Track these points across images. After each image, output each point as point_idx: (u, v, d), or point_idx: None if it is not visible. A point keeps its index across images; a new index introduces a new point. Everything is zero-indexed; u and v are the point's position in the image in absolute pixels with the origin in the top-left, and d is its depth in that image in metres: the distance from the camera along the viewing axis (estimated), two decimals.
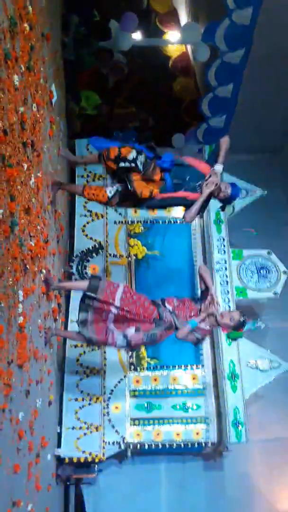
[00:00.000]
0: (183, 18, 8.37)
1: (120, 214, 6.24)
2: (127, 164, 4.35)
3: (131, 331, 4.16)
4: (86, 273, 5.74)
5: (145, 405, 5.56)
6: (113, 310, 4.10)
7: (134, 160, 4.33)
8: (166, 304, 4.25)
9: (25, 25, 3.10)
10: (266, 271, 6.20)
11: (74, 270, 5.73)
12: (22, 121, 2.93)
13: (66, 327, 5.44)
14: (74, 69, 5.91)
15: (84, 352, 5.45)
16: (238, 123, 6.77)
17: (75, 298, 5.62)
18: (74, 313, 5.56)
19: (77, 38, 5.72)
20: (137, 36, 7.14)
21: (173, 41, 7.51)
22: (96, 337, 4.17)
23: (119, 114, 6.93)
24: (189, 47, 7.83)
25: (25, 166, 3.04)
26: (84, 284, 4.18)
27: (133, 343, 4.20)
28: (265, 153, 8.19)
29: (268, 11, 6.12)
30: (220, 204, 4.62)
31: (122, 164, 4.36)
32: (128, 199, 4.52)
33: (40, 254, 3.54)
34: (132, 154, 4.35)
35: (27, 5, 3.14)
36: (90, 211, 6.12)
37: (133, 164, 4.33)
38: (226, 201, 4.52)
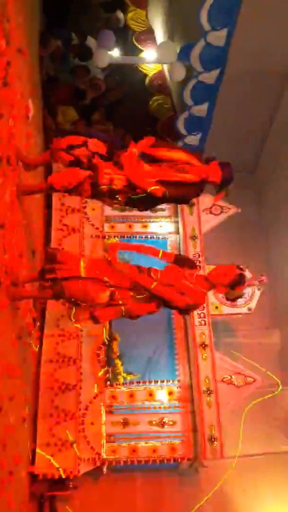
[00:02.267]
0: (160, 37, 8.54)
1: (97, 228, 6.26)
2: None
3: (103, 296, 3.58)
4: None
5: (121, 421, 5.51)
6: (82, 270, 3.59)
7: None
8: (152, 274, 3.71)
9: (2, 41, 3.13)
10: None
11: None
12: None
13: (41, 343, 5.41)
14: (51, 84, 5.96)
15: (60, 367, 5.40)
16: (213, 141, 6.91)
17: (50, 312, 5.64)
18: (50, 327, 5.56)
19: (55, 55, 5.77)
20: (114, 53, 7.27)
21: (150, 60, 7.64)
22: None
23: (96, 130, 6.99)
24: (165, 66, 7.98)
25: (0, 180, 3.04)
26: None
27: (96, 313, 3.63)
28: (240, 172, 8.33)
29: (242, 32, 6.32)
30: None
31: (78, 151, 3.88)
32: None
33: (14, 269, 3.53)
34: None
35: (4, 21, 3.17)
36: (67, 225, 6.13)
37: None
38: (222, 184, 4.07)
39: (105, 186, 3.87)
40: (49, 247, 3.86)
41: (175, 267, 3.78)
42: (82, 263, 3.60)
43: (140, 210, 4.36)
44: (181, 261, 3.86)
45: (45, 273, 3.61)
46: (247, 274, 3.81)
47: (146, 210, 4.40)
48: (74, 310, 3.72)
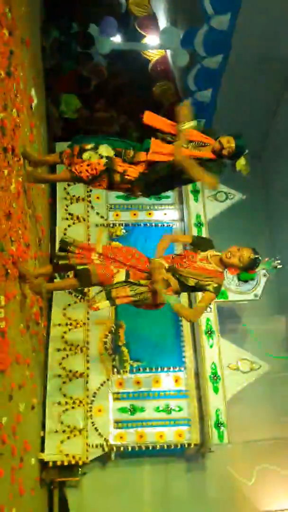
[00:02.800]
0: (162, 22, 8.44)
1: (102, 217, 6.27)
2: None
3: (120, 276, 3.58)
4: (67, 275, 5.73)
5: (128, 407, 5.57)
6: (95, 257, 3.66)
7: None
8: (163, 261, 3.72)
9: (4, 31, 3.11)
10: None
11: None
12: (2, 127, 2.95)
13: (48, 332, 5.45)
14: (54, 73, 5.93)
15: (67, 355, 5.45)
16: (218, 128, 6.85)
17: (56, 301, 5.68)
18: (56, 316, 5.60)
19: (57, 44, 5.74)
20: (116, 39, 7.20)
21: (152, 45, 7.57)
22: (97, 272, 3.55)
23: (99, 118, 6.95)
24: (168, 51, 7.90)
25: (6, 171, 3.05)
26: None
27: (116, 297, 3.56)
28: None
29: (246, 16, 6.24)
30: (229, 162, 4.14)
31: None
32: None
33: (22, 258, 3.55)
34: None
35: (6, 11, 3.15)
36: (72, 214, 6.13)
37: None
38: (234, 157, 4.02)
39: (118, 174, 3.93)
40: (63, 237, 3.86)
41: (187, 252, 3.82)
42: (94, 253, 3.68)
43: (157, 193, 4.49)
44: (197, 242, 3.91)
45: (59, 260, 3.68)
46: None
47: (167, 190, 4.50)
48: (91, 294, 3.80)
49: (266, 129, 8.12)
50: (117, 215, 6.36)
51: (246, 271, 3.68)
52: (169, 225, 6.48)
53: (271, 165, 8.28)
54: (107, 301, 3.53)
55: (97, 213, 6.26)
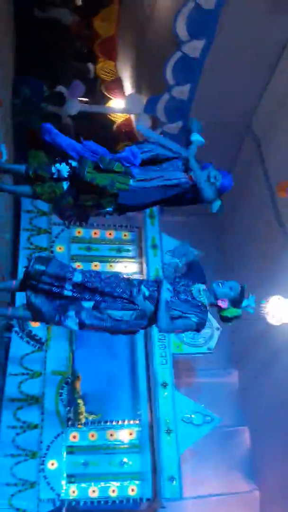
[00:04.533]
0: (128, 86, 8.99)
1: None
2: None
3: (87, 305, 3.41)
4: (27, 325, 5.78)
5: (82, 461, 5.52)
6: (67, 285, 3.41)
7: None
8: (143, 287, 3.51)
9: None
10: None
11: (14, 322, 5.76)
12: None
13: (4, 382, 5.43)
14: (23, 130, 6.19)
15: (22, 406, 5.42)
16: None
17: (14, 349, 5.68)
18: (13, 365, 5.59)
19: (27, 103, 6.04)
20: (83, 101, 7.62)
21: (117, 109, 8.02)
22: (44, 308, 3.39)
23: None
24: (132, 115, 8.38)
25: None
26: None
27: (87, 322, 3.39)
28: (200, 216, 8.69)
29: (205, 87, 6.78)
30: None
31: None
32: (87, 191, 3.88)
33: None
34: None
35: None
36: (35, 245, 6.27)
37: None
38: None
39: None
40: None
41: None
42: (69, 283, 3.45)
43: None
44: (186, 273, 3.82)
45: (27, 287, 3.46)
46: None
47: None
48: None
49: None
50: (78, 266, 6.49)
51: (234, 304, 3.56)
52: None
53: (226, 223, 8.70)
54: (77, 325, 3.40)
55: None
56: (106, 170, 3.86)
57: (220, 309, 3.59)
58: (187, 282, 3.63)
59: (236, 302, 3.55)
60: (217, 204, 4.10)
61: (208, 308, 3.58)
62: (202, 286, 3.62)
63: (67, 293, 3.40)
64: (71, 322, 3.40)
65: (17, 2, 6.81)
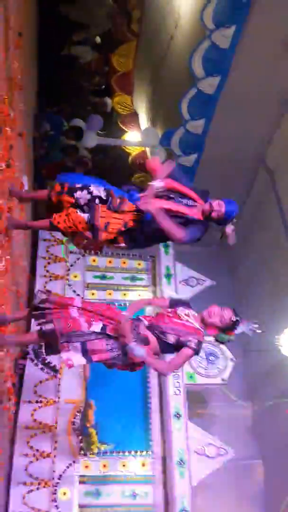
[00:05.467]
0: (143, 120, 9.24)
1: (78, 295, 6.38)
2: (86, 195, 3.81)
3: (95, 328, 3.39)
4: (42, 352, 5.81)
5: (94, 491, 5.49)
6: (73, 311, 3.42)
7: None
8: (142, 318, 3.60)
9: (7, 128, 3.51)
10: (214, 358, 6.46)
11: (30, 349, 5.82)
12: (0, 212, 3.25)
13: (17, 409, 5.45)
14: (42, 162, 6.40)
15: (36, 434, 5.42)
16: None
17: (28, 377, 5.72)
18: (27, 393, 5.62)
19: (46, 137, 6.26)
20: (100, 134, 7.85)
21: (133, 142, 8.23)
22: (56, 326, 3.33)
23: None
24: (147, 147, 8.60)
25: None
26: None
27: (92, 351, 3.36)
28: (213, 246, 8.76)
29: (219, 121, 6.97)
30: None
31: (79, 194, 3.81)
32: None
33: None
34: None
35: (10, 112, 3.57)
36: (50, 291, 6.33)
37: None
38: (221, 222, 3.90)
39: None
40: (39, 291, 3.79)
41: (165, 311, 3.68)
42: (72, 307, 3.48)
43: (141, 246, 4.20)
44: (175, 303, 3.80)
45: (35, 316, 3.51)
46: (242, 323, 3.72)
47: (151, 244, 4.28)
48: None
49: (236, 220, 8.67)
50: (93, 293, 6.59)
51: (225, 332, 3.61)
52: None
53: (239, 253, 8.77)
54: (83, 357, 3.35)
55: (74, 291, 6.48)
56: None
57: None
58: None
59: (227, 330, 3.59)
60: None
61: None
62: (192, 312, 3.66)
63: None
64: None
65: (42, 41, 7.13)
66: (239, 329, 3.63)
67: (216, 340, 3.76)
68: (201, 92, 6.68)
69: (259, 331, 3.71)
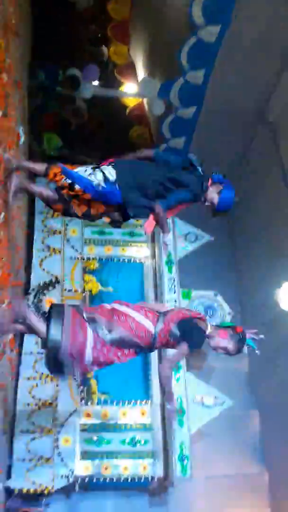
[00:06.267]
0: (140, 71, 8.98)
1: (76, 250, 6.47)
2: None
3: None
4: (42, 305, 5.89)
5: (95, 439, 5.64)
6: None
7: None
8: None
9: (3, 75, 3.40)
10: (212, 311, 6.53)
11: (30, 302, 5.87)
12: None
13: (20, 360, 5.53)
14: (38, 112, 6.24)
15: (37, 384, 5.53)
16: None
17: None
18: (28, 345, 5.69)
19: (42, 86, 6.09)
20: (97, 84, 7.65)
21: (131, 94, 8.02)
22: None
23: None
24: (145, 99, 8.39)
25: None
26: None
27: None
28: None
29: (220, 72, 6.77)
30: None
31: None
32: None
33: (4, 285, 3.72)
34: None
35: (6, 58, 3.45)
36: (49, 246, 6.32)
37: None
38: (213, 209, 3.97)
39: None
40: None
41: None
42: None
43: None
44: None
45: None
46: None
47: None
48: None
49: (235, 176, 8.58)
50: (91, 249, 6.57)
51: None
52: (141, 261, 6.72)
53: (238, 211, 8.71)
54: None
55: (72, 247, 6.47)
56: None
57: None
58: None
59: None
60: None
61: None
62: None
63: None
64: None
65: None
66: (245, 348, 3.76)
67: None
68: (201, 41, 6.44)
69: (261, 336, 3.81)
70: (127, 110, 8.66)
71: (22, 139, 4.64)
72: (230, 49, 6.46)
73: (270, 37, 6.35)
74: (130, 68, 9.06)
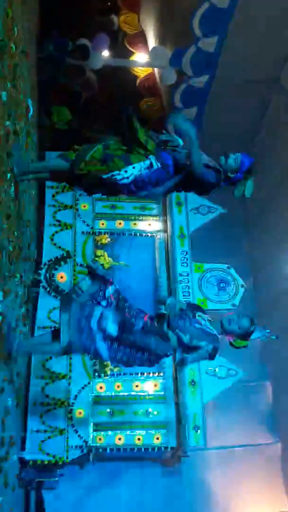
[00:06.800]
0: (151, 40, 8.77)
1: (87, 225, 6.45)
2: None
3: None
4: (54, 280, 5.90)
5: (108, 410, 5.72)
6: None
7: None
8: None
9: (12, 44, 3.32)
10: (225, 284, 6.50)
11: (42, 277, 5.88)
12: (7, 134, 3.14)
13: (32, 334, 5.59)
14: (48, 85, 6.14)
15: (51, 357, 5.59)
16: (201, 144, 7.14)
17: (41, 304, 5.82)
18: (41, 319, 5.74)
19: (51, 58, 5.98)
20: (107, 55, 7.47)
21: (142, 63, 7.85)
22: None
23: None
24: (156, 69, 8.21)
25: (8, 175, 3.24)
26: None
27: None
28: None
29: (233, 39, 6.58)
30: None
31: None
32: None
33: (16, 259, 3.72)
34: None
35: (14, 27, 3.37)
36: (59, 221, 6.31)
37: None
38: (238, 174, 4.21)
39: None
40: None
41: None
42: None
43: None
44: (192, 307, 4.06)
45: None
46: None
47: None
48: None
49: (247, 147, 8.44)
50: (103, 224, 6.54)
51: (242, 339, 3.82)
52: (153, 235, 6.68)
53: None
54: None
55: (83, 221, 6.44)
56: None
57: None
58: (194, 312, 3.87)
59: (244, 336, 3.80)
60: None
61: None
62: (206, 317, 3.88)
63: None
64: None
65: None
66: (254, 336, 3.84)
67: (232, 345, 3.96)
68: (214, 7, 6.26)
69: (273, 337, 3.92)
70: (138, 81, 8.50)
71: (31, 111, 4.58)
72: (243, 16, 6.28)
73: (286, 4, 6.14)
74: (140, 37, 8.85)
